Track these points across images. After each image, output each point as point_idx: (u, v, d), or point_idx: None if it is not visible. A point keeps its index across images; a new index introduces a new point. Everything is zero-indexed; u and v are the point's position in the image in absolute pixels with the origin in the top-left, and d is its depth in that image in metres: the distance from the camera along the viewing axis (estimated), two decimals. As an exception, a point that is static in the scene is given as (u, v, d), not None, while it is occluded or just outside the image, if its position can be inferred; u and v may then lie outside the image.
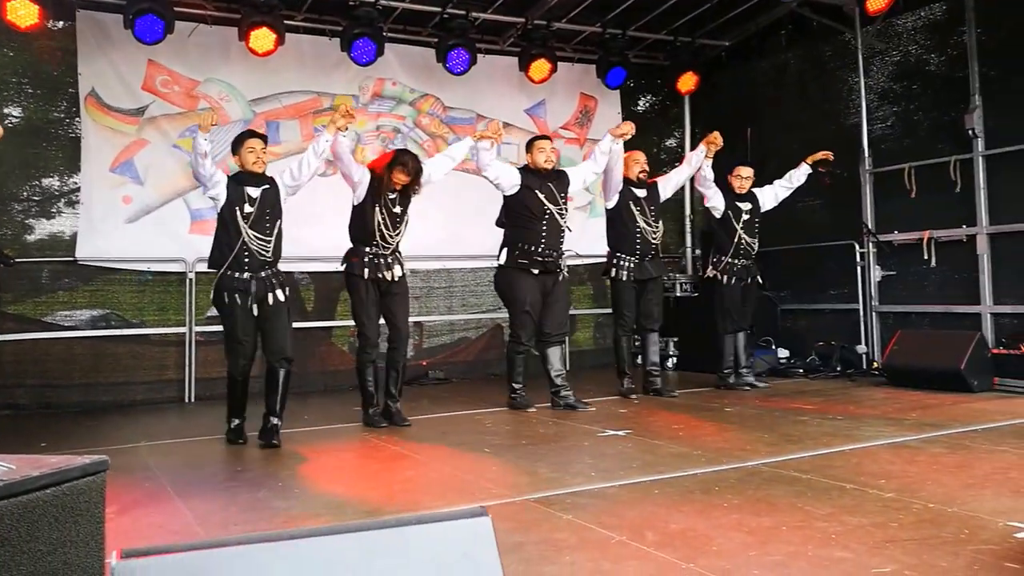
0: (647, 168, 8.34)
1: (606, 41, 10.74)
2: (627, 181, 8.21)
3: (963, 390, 7.64)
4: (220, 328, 8.81)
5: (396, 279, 6.94)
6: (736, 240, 8.53)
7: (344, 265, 7.00)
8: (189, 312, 8.99)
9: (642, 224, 8.15)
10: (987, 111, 8.65)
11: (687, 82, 11.13)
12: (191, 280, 8.98)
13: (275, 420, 6.32)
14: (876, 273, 9.58)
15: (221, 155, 9.17)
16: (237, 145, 6.44)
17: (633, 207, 8.16)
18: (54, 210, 9.03)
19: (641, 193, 8.23)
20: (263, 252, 6.33)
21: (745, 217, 8.59)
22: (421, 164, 6.98)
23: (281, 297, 6.40)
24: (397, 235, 6.95)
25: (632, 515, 3.96)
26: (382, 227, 6.84)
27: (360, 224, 6.91)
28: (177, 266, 9.08)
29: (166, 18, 8.43)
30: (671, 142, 12.54)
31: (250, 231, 6.26)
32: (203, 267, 8.81)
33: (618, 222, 8.22)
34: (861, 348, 9.54)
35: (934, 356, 7.99)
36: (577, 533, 3.70)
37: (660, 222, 8.36)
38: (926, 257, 9.08)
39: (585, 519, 3.91)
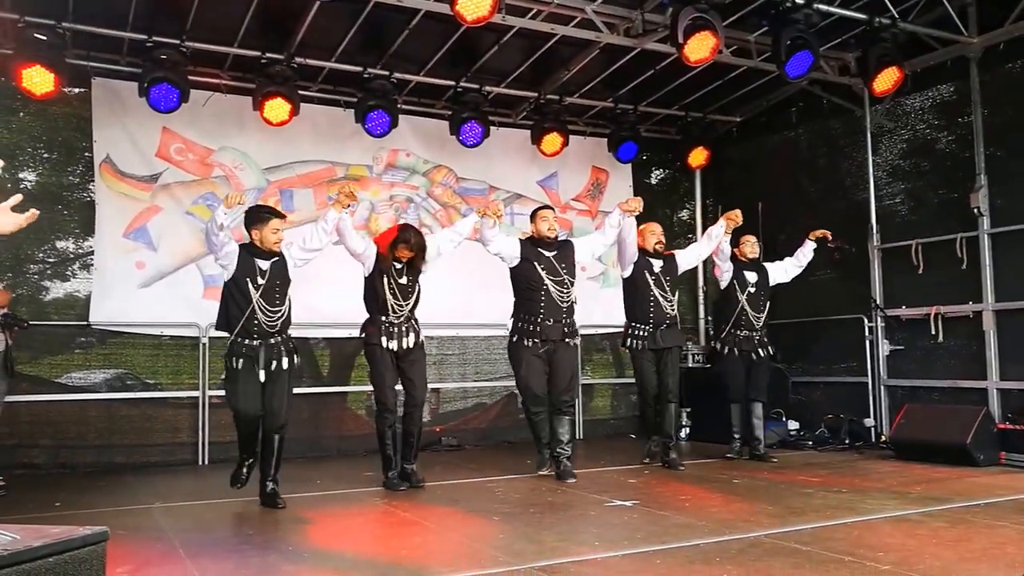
0: (663, 240, 8.44)
1: (618, 116, 10.99)
2: (643, 252, 8.30)
3: (969, 464, 7.68)
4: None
5: (411, 347, 7.15)
6: (739, 310, 8.65)
7: (362, 334, 7.25)
8: (203, 376, 9.09)
9: (657, 294, 8.20)
10: (992, 190, 8.81)
11: (698, 157, 11.32)
12: (205, 344, 9.09)
13: (272, 485, 6.56)
14: (884, 347, 9.67)
15: (236, 221, 9.35)
16: (258, 222, 6.67)
17: (648, 278, 8.23)
18: (69, 272, 9.21)
19: (657, 264, 8.31)
20: (272, 321, 6.58)
21: (751, 289, 8.70)
22: (424, 239, 7.23)
23: (285, 365, 6.62)
24: (408, 305, 7.17)
25: (633, 584, 4.02)
26: (391, 298, 7.08)
27: (372, 296, 7.18)
28: (191, 331, 9.17)
29: (181, 87, 8.56)
30: (684, 214, 12.70)
31: (261, 301, 6.51)
32: (216, 332, 9.00)
33: (633, 292, 8.29)
34: (869, 421, 9.58)
35: (940, 430, 8.04)
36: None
37: (676, 294, 8.46)
38: (933, 332, 9.16)
39: (587, 587, 3.97)
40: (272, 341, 6.57)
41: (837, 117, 10.56)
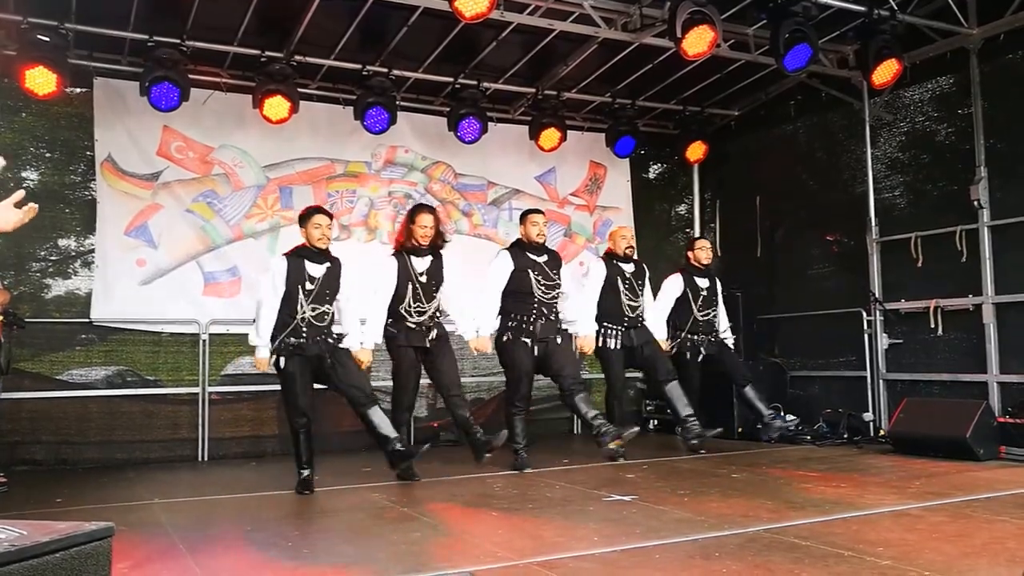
0: (634, 245, 8.70)
1: (615, 111, 10.95)
2: (614, 256, 8.57)
3: (969, 459, 7.64)
4: (234, 388, 9.12)
5: (434, 339, 7.45)
6: (692, 318, 8.92)
7: (385, 334, 7.46)
8: (202, 372, 9.11)
9: (627, 298, 8.47)
10: (993, 182, 8.76)
11: (696, 151, 11.29)
12: (204, 341, 9.12)
13: (398, 446, 6.99)
14: (883, 341, 9.64)
15: (236, 219, 9.43)
16: (304, 220, 6.96)
17: (620, 283, 8.48)
18: (70, 270, 9.27)
19: (628, 268, 8.56)
20: (319, 322, 6.85)
21: (703, 295, 8.98)
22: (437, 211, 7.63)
23: (341, 348, 6.98)
24: (430, 304, 7.43)
25: (632, 579, 4.02)
26: (413, 300, 7.33)
27: (397, 298, 7.35)
28: (191, 327, 9.22)
29: (181, 86, 8.60)
30: (681, 209, 12.69)
31: (309, 305, 6.78)
32: (216, 328, 9.11)
33: (604, 297, 8.49)
34: (868, 416, 9.54)
35: (940, 424, 7.99)
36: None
37: (642, 298, 8.65)
38: (933, 326, 9.12)
39: (586, 582, 3.97)
40: (319, 338, 6.84)
41: (836, 110, 10.51)
